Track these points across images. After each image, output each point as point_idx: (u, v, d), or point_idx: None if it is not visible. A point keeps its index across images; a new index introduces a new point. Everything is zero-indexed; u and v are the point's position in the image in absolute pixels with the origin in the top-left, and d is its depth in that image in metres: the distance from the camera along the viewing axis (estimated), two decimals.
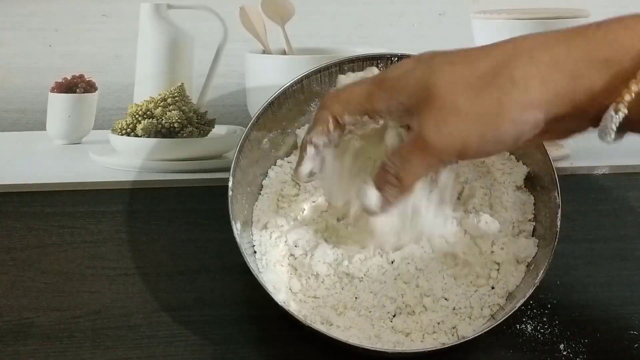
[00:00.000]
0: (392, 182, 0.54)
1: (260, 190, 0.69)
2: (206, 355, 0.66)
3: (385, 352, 0.60)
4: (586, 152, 0.78)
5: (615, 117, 0.48)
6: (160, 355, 0.65)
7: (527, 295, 0.60)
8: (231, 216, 0.63)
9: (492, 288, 0.65)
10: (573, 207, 0.73)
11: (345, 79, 0.60)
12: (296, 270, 0.65)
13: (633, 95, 0.47)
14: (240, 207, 0.65)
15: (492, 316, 0.64)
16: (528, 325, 0.67)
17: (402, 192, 0.55)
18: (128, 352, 0.65)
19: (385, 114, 0.55)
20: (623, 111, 0.48)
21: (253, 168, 0.68)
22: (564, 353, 0.66)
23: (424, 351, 0.61)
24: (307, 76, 0.69)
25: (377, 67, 0.68)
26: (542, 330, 0.67)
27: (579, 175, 0.77)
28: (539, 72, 0.49)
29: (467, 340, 0.59)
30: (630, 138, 0.50)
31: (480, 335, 0.60)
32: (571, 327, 0.67)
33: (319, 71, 0.69)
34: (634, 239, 0.73)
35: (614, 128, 0.48)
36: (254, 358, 0.66)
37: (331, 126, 0.56)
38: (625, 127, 0.49)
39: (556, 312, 0.68)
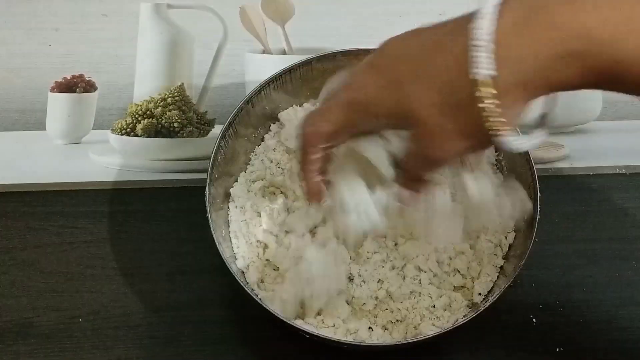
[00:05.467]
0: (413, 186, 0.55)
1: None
2: (206, 355, 0.66)
3: (370, 346, 0.60)
4: (586, 152, 0.78)
5: None
6: (160, 355, 0.65)
7: (503, 288, 0.60)
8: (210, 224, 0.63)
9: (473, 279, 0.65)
10: (573, 208, 0.73)
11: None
12: (277, 269, 0.66)
13: None
14: (222, 212, 0.66)
15: (472, 306, 0.64)
16: (529, 326, 0.67)
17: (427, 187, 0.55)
18: (128, 352, 0.65)
19: (370, 132, 0.55)
20: None
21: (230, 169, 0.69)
22: (565, 353, 0.66)
23: (404, 343, 0.61)
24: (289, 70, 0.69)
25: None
26: (542, 331, 0.67)
27: (579, 176, 0.76)
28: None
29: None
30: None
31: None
32: (571, 327, 0.67)
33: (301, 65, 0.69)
34: (634, 239, 0.73)
35: None
36: (253, 358, 0.66)
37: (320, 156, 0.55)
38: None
39: (556, 312, 0.68)
